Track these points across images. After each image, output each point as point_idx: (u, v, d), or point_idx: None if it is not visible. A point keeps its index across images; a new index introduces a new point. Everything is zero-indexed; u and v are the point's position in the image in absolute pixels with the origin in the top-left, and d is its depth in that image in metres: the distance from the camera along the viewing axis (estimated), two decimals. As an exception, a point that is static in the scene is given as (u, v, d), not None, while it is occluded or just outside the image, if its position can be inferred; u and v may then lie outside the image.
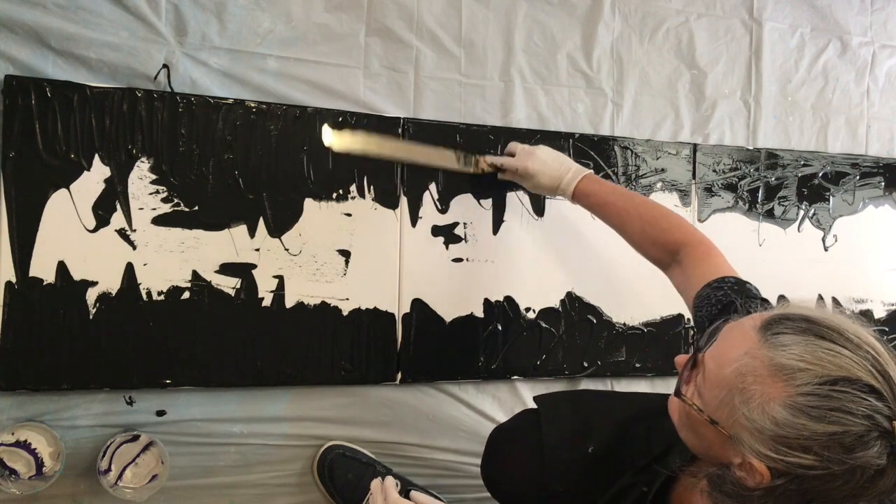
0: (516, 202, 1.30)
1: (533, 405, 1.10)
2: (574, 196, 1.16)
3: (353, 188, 1.20)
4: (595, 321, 1.35)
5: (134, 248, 1.09)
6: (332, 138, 1.14)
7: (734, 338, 0.69)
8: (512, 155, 1.21)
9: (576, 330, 1.34)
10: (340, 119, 1.19)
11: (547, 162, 1.17)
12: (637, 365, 1.38)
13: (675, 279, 1.04)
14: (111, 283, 1.08)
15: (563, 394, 1.22)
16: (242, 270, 1.14)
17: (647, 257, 1.09)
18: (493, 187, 1.28)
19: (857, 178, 1.58)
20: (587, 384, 1.36)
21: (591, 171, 1.18)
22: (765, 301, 0.89)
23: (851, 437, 0.60)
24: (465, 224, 1.27)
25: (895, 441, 0.61)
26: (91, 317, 1.07)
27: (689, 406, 0.71)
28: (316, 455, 1.20)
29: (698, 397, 0.70)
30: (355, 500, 1.15)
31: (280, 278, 1.16)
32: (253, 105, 1.15)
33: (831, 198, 1.55)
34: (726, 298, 0.88)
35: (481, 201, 1.28)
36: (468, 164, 1.22)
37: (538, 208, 1.32)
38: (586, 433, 0.97)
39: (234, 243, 1.14)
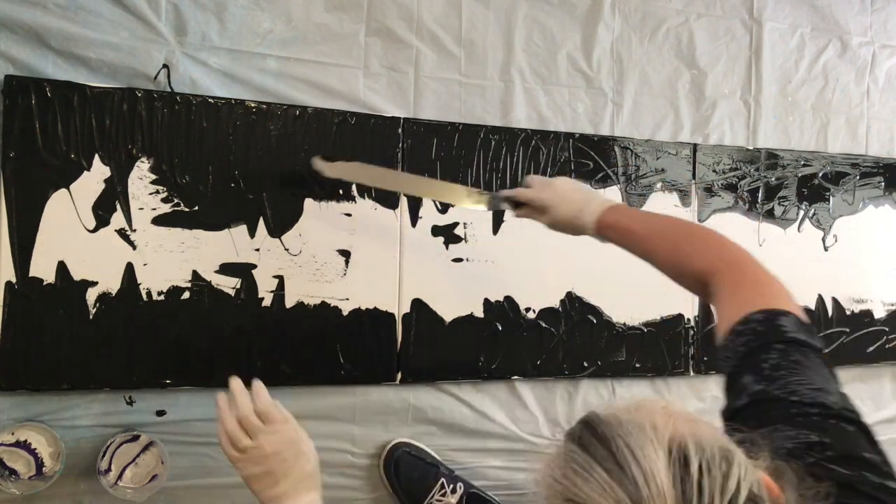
0: (516, 202, 1.31)
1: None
2: (597, 229, 0.99)
3: (353, 188, 1.20)
4: (595, 321, 1.35)
5: (134, 248, 1.09)
6: (324, 167, 1.12)
7: None
8: (528, 188, 1.09)
9: (576, 330, 1.34)
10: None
11: (566, 193, 1.02)
12: (637, 365, 1.38)
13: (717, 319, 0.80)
14: (111, 283, 1.08)
15: None
16: (242, 270, 1.14)
17: (690, 291, 0.88)
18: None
19: (857, 178, 1.58)
20: (587, 384, 1.36)
21: (621, 202, 1.01)
22: (800, 344, 0.67)
23: None
24: (464, 224, 1.27)
25: None
26: (91, 317, 1.07)
27: None
28: (383, 451, 1.23)
29: None
30: (418, 499, 1.18)
31: (280, 278, 1.16)
32: (253, 105, 1.15)
33: (831, 198, 1.55)
34: (748, 346, 0.68)
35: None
36: (480, 201, 1.15)
37: (538, 208, 1.32)
38: None
39: (234, 243, 1.14)
